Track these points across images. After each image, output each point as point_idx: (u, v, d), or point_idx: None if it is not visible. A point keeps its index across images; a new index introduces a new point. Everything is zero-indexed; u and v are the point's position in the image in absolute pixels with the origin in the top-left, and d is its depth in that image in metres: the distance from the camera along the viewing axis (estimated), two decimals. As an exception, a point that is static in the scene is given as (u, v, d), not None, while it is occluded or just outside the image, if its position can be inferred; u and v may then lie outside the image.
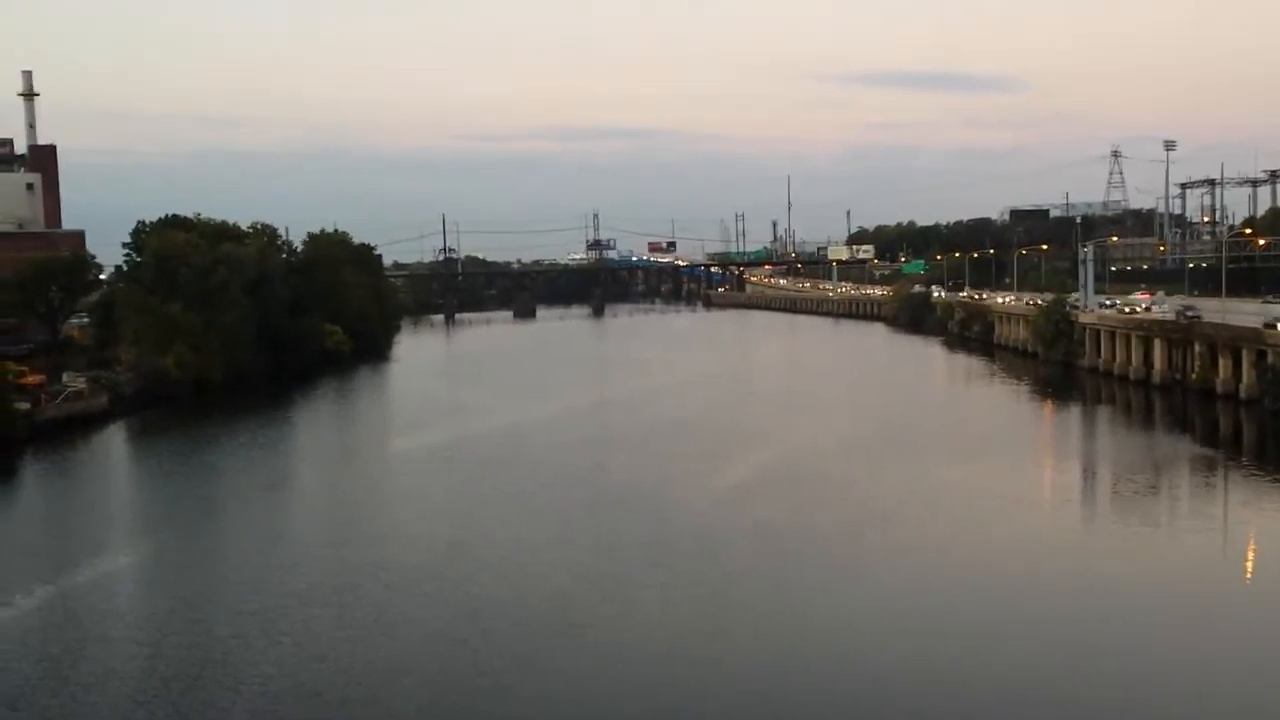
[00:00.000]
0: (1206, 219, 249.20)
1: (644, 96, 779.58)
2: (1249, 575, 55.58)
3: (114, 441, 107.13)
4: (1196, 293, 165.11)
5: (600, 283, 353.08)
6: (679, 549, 58.91)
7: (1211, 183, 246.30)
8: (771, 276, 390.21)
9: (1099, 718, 38.50)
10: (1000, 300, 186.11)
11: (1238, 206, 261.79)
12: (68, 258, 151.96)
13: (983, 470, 79.20)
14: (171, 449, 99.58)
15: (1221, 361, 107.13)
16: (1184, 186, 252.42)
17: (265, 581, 55.94)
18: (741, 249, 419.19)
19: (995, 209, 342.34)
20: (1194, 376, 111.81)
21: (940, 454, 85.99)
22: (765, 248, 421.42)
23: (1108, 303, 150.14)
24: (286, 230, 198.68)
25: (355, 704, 40.41)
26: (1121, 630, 46.77)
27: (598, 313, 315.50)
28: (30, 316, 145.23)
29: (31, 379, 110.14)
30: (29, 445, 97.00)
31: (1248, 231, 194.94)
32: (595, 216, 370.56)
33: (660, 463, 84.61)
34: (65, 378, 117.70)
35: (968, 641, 45.93)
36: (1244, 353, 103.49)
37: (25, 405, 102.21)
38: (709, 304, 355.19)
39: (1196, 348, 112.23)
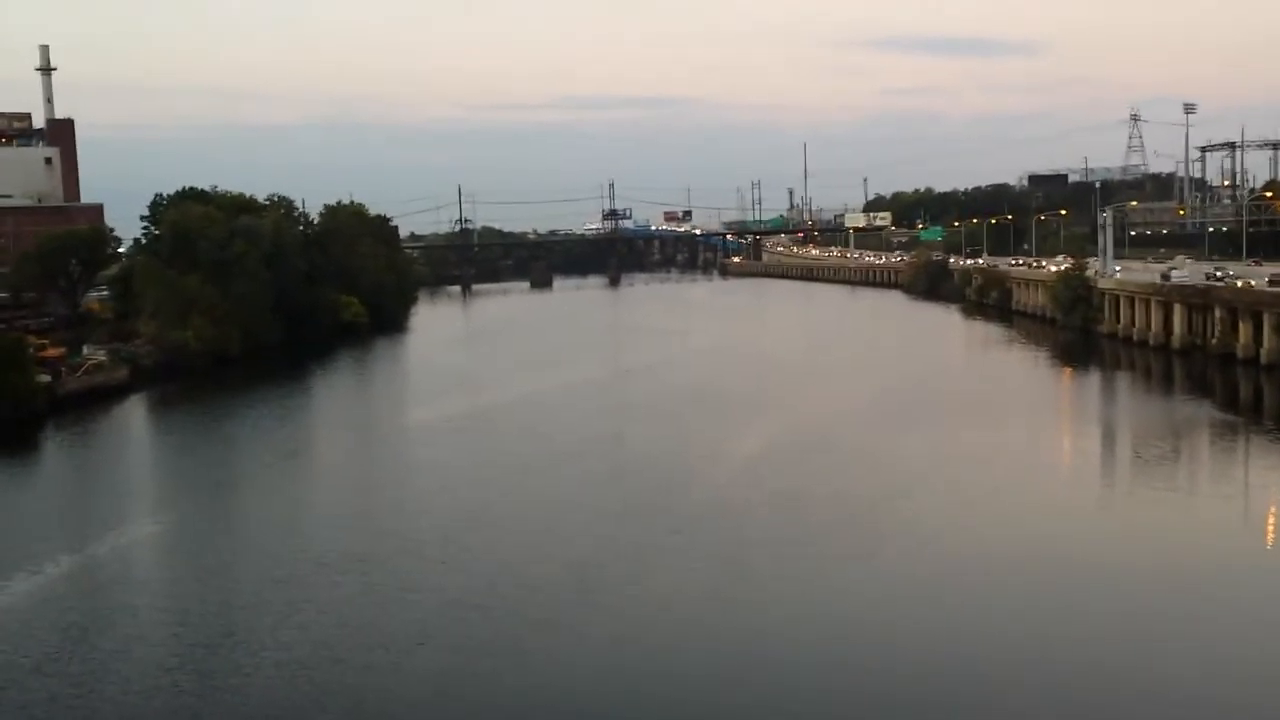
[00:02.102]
0: (1227, 182, 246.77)
1: (660, 65, 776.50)
2: (1271, 540, 55.35)
3: (135, 413, 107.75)
4: (1217, 257, 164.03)
5: (616, 252, 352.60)
6: (699, 517, 59.02)
7: (1232, 146, 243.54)
8: (789, 245, 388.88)
9: (1121, 684, 38.45)
10: (1052, 269, 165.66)
11: (1259, 169, 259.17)
12: (87, 231, 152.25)
13: (1004, 437, 79.04)
14: (191, 421, 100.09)
15: (1242, 326, 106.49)
16: (1204, 150, 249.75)
17: (287, 550, 56.30)
18: (758, 217, 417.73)
19: (1014, 175, 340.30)
20: (1214, 341, 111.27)
21: (960, 421, 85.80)
22: (781, 216, 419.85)
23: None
24: (303, 202, 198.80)
25: (377, 670, 40.67)
26: (1143, 596, 46.77)
27: (614, 282, 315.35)
28: (50, 290, 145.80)
29: (52, 352, 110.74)
30: (50, 418, 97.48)
31: (1269, 195, 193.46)
32: (611, 186, 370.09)
33: (680, 432, 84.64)
34: (85, 350, 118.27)
35: (990, 610, 45.96)
36: (1265, 317, 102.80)
37: (46, 378, 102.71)
38: (725, 273, 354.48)
39: (1217, 312, 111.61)
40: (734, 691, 38.61)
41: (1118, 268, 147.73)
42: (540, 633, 43.61)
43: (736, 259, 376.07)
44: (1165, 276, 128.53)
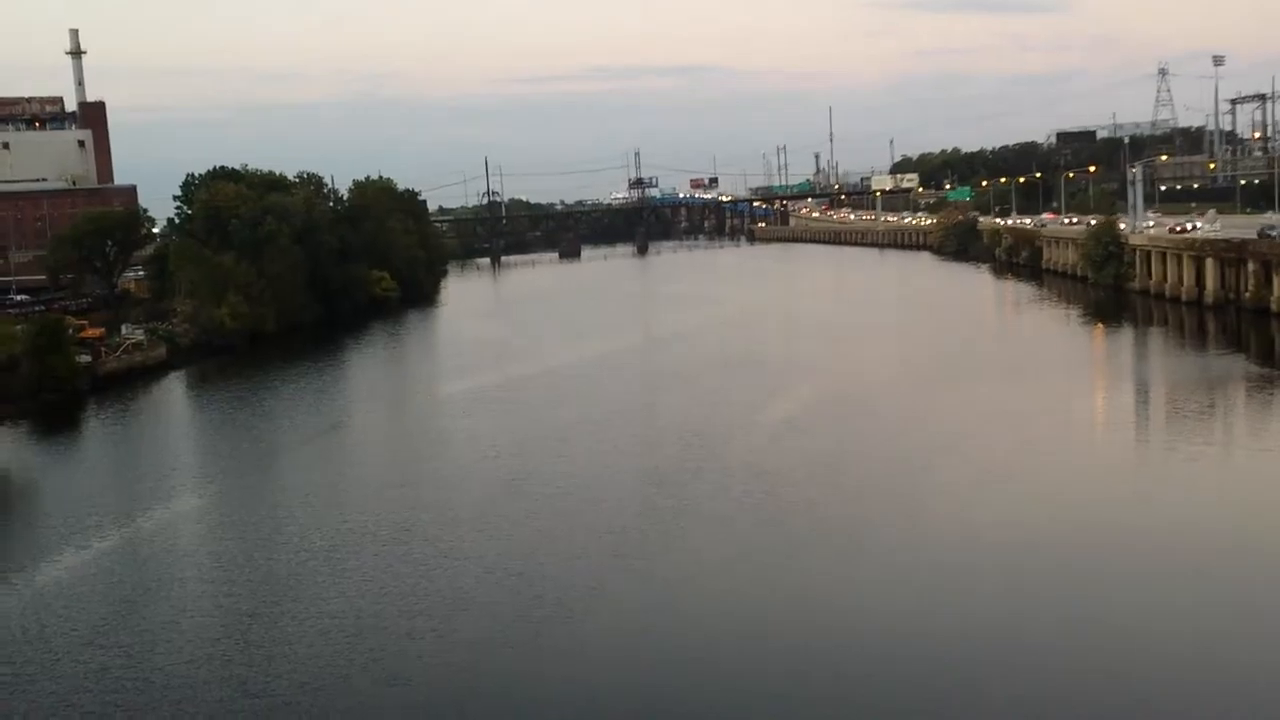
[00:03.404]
0: (1258, 135, 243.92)
1: (684, 33, 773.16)
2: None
3: (174, 391, 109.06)
4: (1249, 210, 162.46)
5: (643, 221, 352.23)
6: (736, 483, 59.44)
7: (1262, 98, 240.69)
8: (815, 208, 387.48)
9: (1164, 638, 38.83)
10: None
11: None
12: (121, 213, 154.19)
13: (1039, 395, 78.99)
14: (230, 397, 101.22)
15: (1276, 279, 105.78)
16: (1234, 102, 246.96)
17: (328, 521, 57.09)
18: (784, 182, 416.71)
19: (1042, 134, 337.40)
20: (1248, 296, 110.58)
21: (994, 380, 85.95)
22: (808, 180, 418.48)
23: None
24: (332, 179, 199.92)
25: (420, 635, 41.47)
26: (1180, 552, 47.00)
27: (642, 251, 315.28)
28: (87, 271, 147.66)
29: (91, 332, 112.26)
30: (92, 396, 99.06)
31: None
32: (637, 155, 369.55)
33: (714, 397, 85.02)
34: (124, 330, 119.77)
35: (1033, 569, 46.22)
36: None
37: (86, 358, 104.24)
38: (752, 239, 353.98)
39: (1250, 266, 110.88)
40: (772, 658, 39.19)
41: (1200, 224, 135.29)
42: (581, 599, 44.22)
43: (763, 224, 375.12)
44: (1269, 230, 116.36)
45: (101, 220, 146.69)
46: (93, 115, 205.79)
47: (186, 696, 37.79)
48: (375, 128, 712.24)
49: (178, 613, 45.41)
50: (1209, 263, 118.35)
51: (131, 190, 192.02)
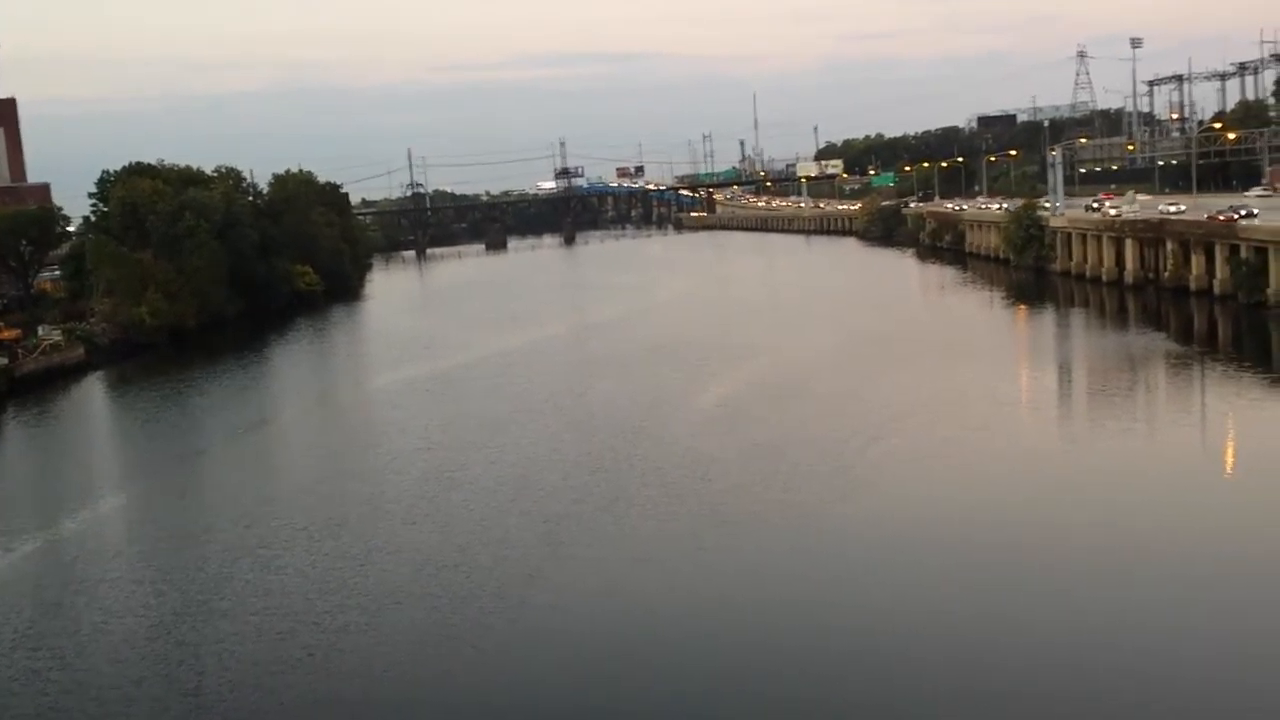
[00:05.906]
0: (1175, 116, 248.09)
1: (609, 20, 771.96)
2: (1228, 468, 56.41)
3: (94, 392, 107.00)
4: (1168, 190, 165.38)
5: (570, 211, 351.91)
6: (670, 469, 59.29)
7: (1179, 79, 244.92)
8: (742, 196, 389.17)
9: (1084, 613, 39.28)
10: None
11: (1207, 102, 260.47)
12: (35, 211, 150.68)
13: (960, 377, 79.73)
14: (153, 396, 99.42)
15: (1194, 258, 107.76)
16: (1151, 84, 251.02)
17: (259, 518, 56.15)
18: (710, 170, 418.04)
19: (966, 117, 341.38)
20: (1167, 275, 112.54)
21: (917, 363, 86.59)
22: (734, 168, 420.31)
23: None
24: (251, 173, 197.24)
25: (355, 630, 40.90)
26: (1105, 527, 47.53)
27: (569, 241, 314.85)
28: (1, 272, 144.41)
29: (7, 334, 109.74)
30: (9, 400, 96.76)
31: (1217, 126, 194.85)
32: (562, 144, 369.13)
33: (644, 385, 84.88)
34: (40, 331, 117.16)
35: (961, 546, 46.63)
36: (1217, 249, 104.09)
37: (2, 360, 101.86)
38: (680, 227, 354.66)
39: (1169, 246, 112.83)
40: (709, 639, 39.20)
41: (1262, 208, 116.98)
42: (516, 588, 43.90)
43: (691, 213, 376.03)
44: None
45: (14, 219, 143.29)
46: (3, 112, 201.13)
47: (118, 697, 37.00)
48: (297, 118, 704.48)
49: (107, 615, 44.42)
50: (1129, 243, 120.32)
51: (45, 188, 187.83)
